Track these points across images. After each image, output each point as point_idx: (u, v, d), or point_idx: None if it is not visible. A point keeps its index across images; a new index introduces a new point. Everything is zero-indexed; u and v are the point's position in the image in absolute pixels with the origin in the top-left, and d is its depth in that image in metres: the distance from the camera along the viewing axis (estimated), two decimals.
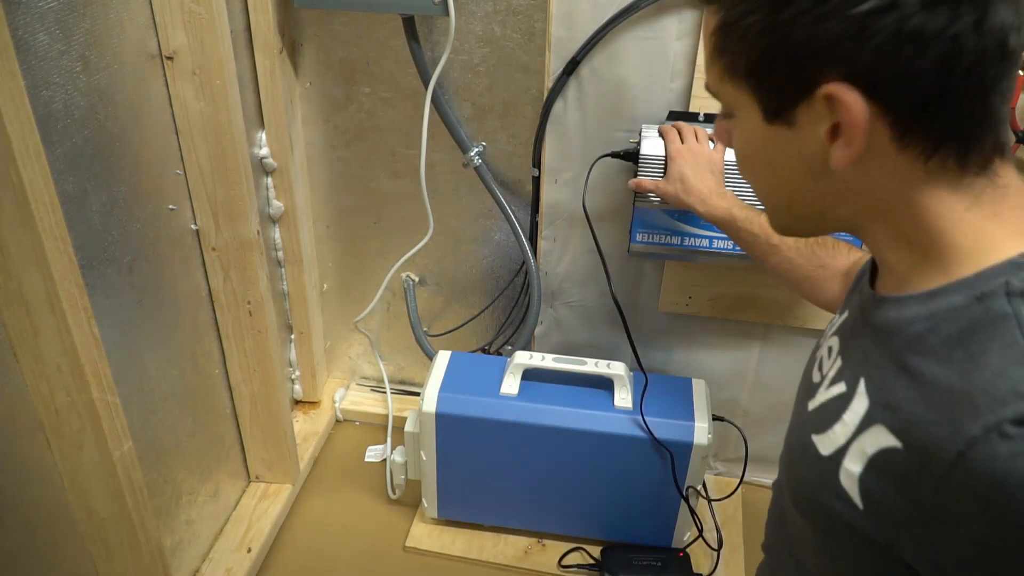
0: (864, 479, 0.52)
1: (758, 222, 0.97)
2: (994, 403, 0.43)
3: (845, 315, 0.64)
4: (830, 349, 0.63)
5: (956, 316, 0.48)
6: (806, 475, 0.59)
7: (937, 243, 0.50)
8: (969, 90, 0.46)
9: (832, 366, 0.61)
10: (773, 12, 0.47)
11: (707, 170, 1.03)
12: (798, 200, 0.55)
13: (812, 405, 0.61)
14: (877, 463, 0.50)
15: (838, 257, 0.91)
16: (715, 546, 1.27)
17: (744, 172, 0.59)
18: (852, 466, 0.53)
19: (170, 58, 0.98)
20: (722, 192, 1.02)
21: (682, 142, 1.06)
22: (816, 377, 0.64)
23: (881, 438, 0.50)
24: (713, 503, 1.32)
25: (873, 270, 0.59)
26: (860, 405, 0.54)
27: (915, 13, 0.43)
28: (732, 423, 1.25)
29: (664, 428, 1.16)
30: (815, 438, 0.58)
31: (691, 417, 1.17)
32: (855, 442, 0.53)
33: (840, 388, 0.57)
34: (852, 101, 0.46)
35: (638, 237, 1.15)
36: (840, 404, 0.56)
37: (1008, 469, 0.42)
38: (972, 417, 0.43)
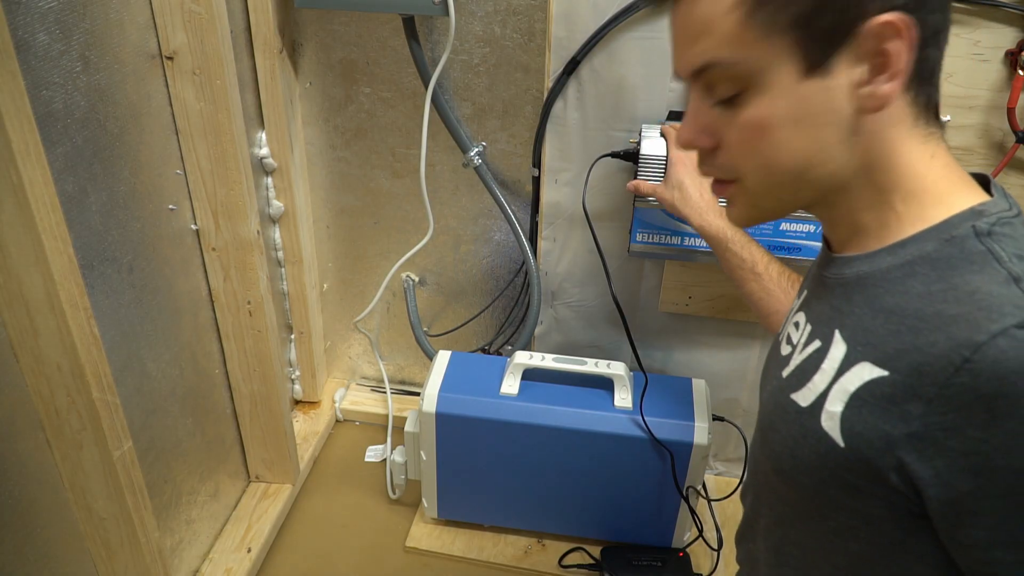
0: (845, 415, 0.55)
1: (748, 248, 0.98)
2: (994, 315, 0.48)
3: (804, 295, 0.68)
4: (796, 324, 0.66)
5: (931, 258, 0.54)
6: (785, 432, 0.62)
7: (909, 194, 0.56)
8: (945, 38, 0.54)
9: (803, 334, 0.64)
10: None
11: (706, 181, 1.03)
12: (818, 160, 0.56)
13: (787, 372, 0.64)
14: (860, 397, 0.54)
15: None
16: (715, 546, 1.27)
17: (760, 147, 0.56)
18: (833, 407, 0.56)
19: (170, 58, 0.98)
20: (719, 208, 1.02)
21: None
22: (786, 350, 0.67)
23: (865, 372, 0.54)
24: (713, 503, 1.32)
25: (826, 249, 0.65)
26: (838, 351, 0.58)
27: None
28: (732, 423, 1.25)
29: (664, 428, 1.16)
30: (794, 396, 0.61)
31: (691, 417, 1.17)
32: (836, 384, 0.57)
33: (815, 345, 0.61)
34: (908, 25, 0.50)
35: (638, 237, 1.15)
36: (817, 358, 0.60)
37: (1016, 367, 0.46)
38: (973, 330, 0.48)
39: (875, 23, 0.50)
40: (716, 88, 0.56)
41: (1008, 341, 0.46)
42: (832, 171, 0.56)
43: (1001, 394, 0.46)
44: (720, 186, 0.62)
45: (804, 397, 0.60)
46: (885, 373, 0.53)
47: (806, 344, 0.63)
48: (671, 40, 0.58)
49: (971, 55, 1.03)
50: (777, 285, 0.96)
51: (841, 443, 0.55)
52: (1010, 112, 1.03)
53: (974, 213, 0.54)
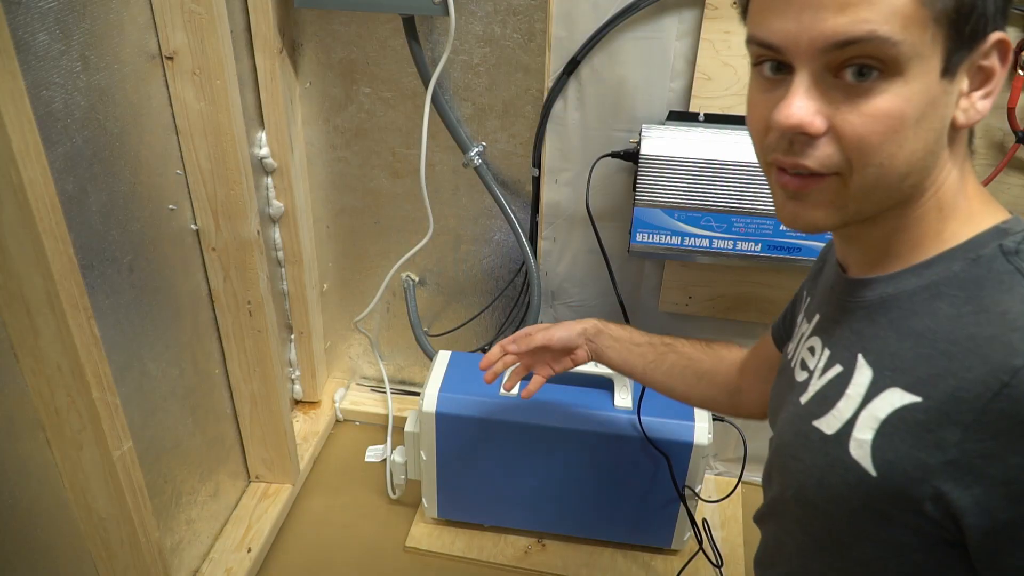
0: (876, 443, 0.53)
1: (641, 339, 0.95)
2: None
3: (816, 318, 0.66)
4: (811, 348, 0.65)
5: (957, 279, 0.52)
6: (809, 461, 0.59)
7: (949, 212, 0.54)
8: None
9: (820, 358, 0.62)
10: None
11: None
12: (920, 165, 0.51)
13: (805, 398, 0.62)
14: (891, 423, 0.52)
15: (732, 350, 0.93)
16: (713, 552, 1.27)
17: (884, 141, 0.49)
18: (863, 435, 0.54)
19: (170, 58, 0.98)
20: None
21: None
22: (802, 376, 0.65)
23: (896, 398, 0.52)
24: (712, 504, 1.31)
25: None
26: (863, 377, 0.56)
27: None
28: (732, 423, 1.25)
29: (664, 428, 1.16)
30: (816, 423, 0.59)
31: (691, 417, 1.17)
32: (864, 411, 0.55)
33: (836, 370, 0.59)
34: (1010, 47, 0.50)
35: (638, 237, 1.15)
36: (840, 383, 0.58)
37: None
38: (1009, 353, 0.47)
39: (993, 38, 0.49)
40: (852, 67, 0.48)
41: None
42: (926, 178, 0.53)
43: None
44: (802, 181, 0.52)
45: (828, 424, 0.58)
46: (918, 399, 0.51)
47: (825, 369, 0.61)
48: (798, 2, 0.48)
49: None
50: (694, 348, 0.93)
51: (873, 472, 0.53)
52: (1010, 112, 1.03)
53: (999, 232, 0.53)
